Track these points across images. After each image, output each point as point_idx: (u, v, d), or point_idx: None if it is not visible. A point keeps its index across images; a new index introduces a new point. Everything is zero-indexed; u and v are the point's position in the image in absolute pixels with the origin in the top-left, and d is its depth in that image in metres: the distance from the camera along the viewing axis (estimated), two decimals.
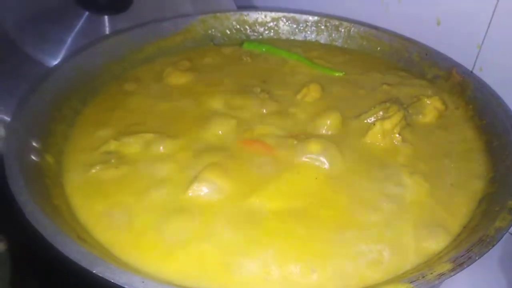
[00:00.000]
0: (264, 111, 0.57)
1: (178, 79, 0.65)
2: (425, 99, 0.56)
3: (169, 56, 0.71)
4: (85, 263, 0.32)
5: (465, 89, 0.60)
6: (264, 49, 0.72)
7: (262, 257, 0.38)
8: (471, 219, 0.41)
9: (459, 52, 0.66)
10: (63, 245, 0.33)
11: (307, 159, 0.49)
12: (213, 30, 0.75)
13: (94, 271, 0.31)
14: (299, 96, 0.60)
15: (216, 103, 0.59)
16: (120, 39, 0.67)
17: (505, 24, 0.63)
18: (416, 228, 0.41)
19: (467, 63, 0.67)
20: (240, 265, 0.38)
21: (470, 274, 0.54)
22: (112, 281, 0.30)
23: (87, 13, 0.79)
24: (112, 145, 0.51)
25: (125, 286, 0.30)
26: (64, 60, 0.60)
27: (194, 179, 0.45)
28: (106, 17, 0.80)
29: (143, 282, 0.31)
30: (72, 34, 0.79)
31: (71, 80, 0.59)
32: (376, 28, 0.72)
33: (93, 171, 0.48)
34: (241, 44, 0.74)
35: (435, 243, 0.40)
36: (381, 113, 0.54)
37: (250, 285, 0.36)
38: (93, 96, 0.61)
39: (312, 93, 0.60)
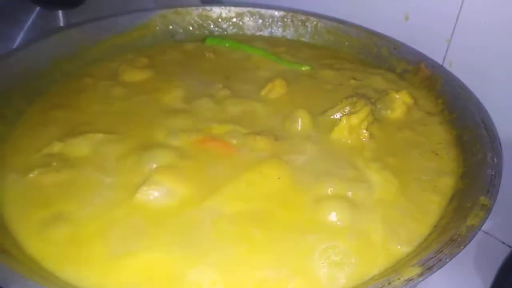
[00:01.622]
0: (225, 108, 0.53)
1: (134, 76, 0.61)
2: (394, 94, 0.54)
3: (126, 52, 0.67)
4: None
5: (434, 83, 0.57)
6: (227, 45, 0.69)
7: (213, 266, 0.34)
8: (442, 217, 0.38)
9: (429, 47, 0.64)
10: None
11: (269, 159, 0.45)
12: (174, 25, 0.71)
13: None
14: (263, 92, 0.57)
15: (174, 101, 0.55)
16: (71, 35, 0.62)
17: (473, 18, 0.62)
18: (385, 229, 0.38)
19: (437, 58, 0.65)
20: (187, 276, 0.33)
21: (444, 274, 0.52)
22: None
23: (38, 8, 0.74)
24: (56, 147, 0.47)
25: None
26: (4, 56, 0.55)
27: (143, 183, 0.41)
28: (60, 12, 0.75)
29: None
30: (22, 31, 0.74)
31: (13, 77, 0.54)
32: (343, 22, 0.69)
33: (31, 175, 0.43)
34: (203, 40, 0.70)
35: (405, 245, 0.37)
36: (347, 108, 0.51)
37: None
38: (39, 95, 0.56)
39: (277, 88, 0.57)
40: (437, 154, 0.47)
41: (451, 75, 0.57)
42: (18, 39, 0.72)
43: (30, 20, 0.73)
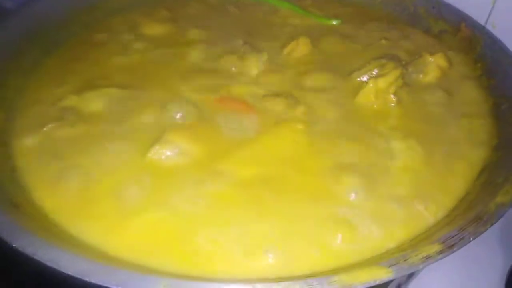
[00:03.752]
0: (245, 67, 0.51)
1: (154, 29, 0.59)
2: (428, 56, 0.50)
3: (147, 5, 0.64)
4: (4, 235, 0.27)
5: (474, 45, 0.52)
6: None
7: (219, 229, 0.33)
8: (469, 191, 0.36)
9: (471, 7, 0.59)
10: None
11: (287, 121, 0.43)
12: None
13: (14, 245, 0.26)
14: (286, 51, 0.54)
15: (192, 57, 0.53)
16: None
17: None
18: (405, 199, 0.36)
19: (479, 20, 0.60)
20: (192, 237, 0.33)
21: (463, 248, 0.50)
22: (35, 257, 0.26)
23: None
24: (72, 100, 0.46)
25: (48, 263, 0.26)
26: (23, 6, 0.53)
27: (156, 141, 0.40)
28: None
29: (70, 259, 0.26)
30: None
31: (32, 29, 0.53)
32: None
33: (45, 129, 0.42)
34: None
35: (426, 218, 0.34)
36: (375, 70, 0.47)
37: (200, 260, 0.31)
38: (58, 47, 0.55)
39: (301, 47, 0.54)
40: (470, 123, 0.43)
41: (494, 37, 0.51)
42: None
43: None
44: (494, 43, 0.50)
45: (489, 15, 0.61)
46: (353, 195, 0.36)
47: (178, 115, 0.44)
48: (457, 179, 0.37)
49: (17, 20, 0.52)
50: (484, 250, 0.51)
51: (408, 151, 0.40)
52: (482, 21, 0.61)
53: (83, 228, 0.34)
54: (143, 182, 0.37)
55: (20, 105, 0.46)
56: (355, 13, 0.62)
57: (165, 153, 0.39)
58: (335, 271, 0.27)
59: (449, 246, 0.27)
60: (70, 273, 0.25)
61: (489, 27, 0.61)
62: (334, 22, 0.59)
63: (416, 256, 0.27)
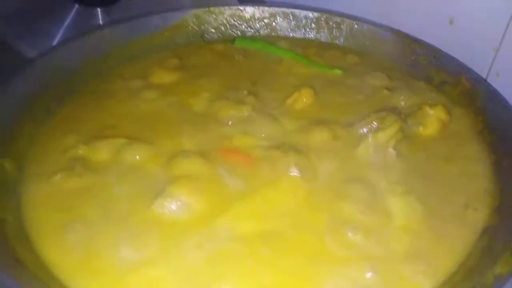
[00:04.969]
0: (248, 118, 0.52)
1: (162, 78, 0.60)
2: (427, 109, 0.50)
3: (158, 53, 0.66)
4: None
5: (474, 98, 0.53)
6: (258, 46, 0.67)
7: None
8: (469, 257, 0.35)
9: (474, 55, 0.60)
10: None
11: (288, 175, 0.44)
12: (206, 25, 0.70)
13: None
14: (289, 101, 0.55)
15: (199, 106, 0.55)
16: (103, 34, 0.63)
17: None
18: (403, 262, 0.36)
19: (482, 68, 0.60)
20: None
21: None
22: None
23: (77, 5, 0.76)
24: (81, 150, 0.47)
25: None
26: (39, 56, 0.56)
27: (159, 194, 0.41)
28: (98, 9, 0.77)
29: None
30: (62, 28, 0.76)
31: (46, 77, 0.55)
32: (380, 26, 0.65)
33: (54, 179, 0.44)
34: (233, 40, 0.69)
35: (425, 284, 0.34)
36: (375, 123, 0.48)
37: None
38: (70, 95, 0.57)
39: (304, 98, 0.55)
40: (470, 181, 0.43)
41: (494, 91, 0.52)
42: (58, 36, 0.74)
43: (70, 18, 0.75)
44: (495, 96, 0.51)
45: (492, 63, 0.62)
46: (346, 256, 0.36)
47: (181, 167, 0.45)
48: (457, 242, 0.37)
49: (34, 69, 0.55)
50: None
51: (407, 209, 0.40)
52: (485, 70, 0.62)
53: (83, 283, 0.35)
54: (144, 237, 0.38)
55: (31, 153, 0.48)
56: (359, 62, 0.64)
57: (168, 207, 0.40)
58: None
59: None
60: None
61: (493, 75, 0.62)
62: (336, 72, 0.61)
63: None
